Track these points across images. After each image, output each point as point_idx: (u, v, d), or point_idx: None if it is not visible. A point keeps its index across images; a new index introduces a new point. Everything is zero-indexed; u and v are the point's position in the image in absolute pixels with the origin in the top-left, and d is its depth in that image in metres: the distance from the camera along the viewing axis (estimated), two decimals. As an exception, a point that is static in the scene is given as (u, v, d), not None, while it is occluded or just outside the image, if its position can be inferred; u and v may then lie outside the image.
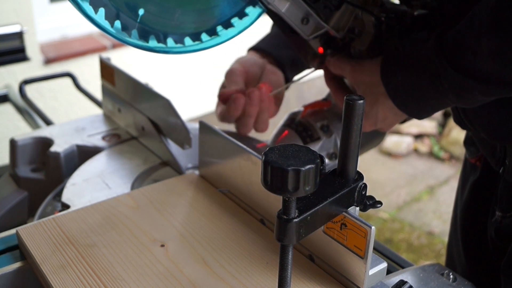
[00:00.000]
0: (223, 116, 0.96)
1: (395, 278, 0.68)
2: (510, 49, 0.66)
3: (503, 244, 0.89)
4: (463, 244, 1.02)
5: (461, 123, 0.89)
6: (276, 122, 1.03)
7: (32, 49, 2.32)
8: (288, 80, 1.04)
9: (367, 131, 0.91)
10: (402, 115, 0.85)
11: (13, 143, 1.06)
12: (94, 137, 1.08)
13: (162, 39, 0.75)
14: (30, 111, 1.44)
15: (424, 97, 0.78)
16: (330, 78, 0.92)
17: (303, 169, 0.47)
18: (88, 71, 2.48)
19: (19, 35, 1.54)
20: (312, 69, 0.97)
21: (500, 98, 0.78)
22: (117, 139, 1.07)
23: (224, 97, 0.96)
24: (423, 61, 0.76)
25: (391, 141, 3.63)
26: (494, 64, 0.67)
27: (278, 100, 1.00)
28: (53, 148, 1.02)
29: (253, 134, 1.00)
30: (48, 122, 1.35)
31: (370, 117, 0.86)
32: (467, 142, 1.01)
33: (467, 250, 1.02)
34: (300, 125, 0.97)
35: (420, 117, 0.84)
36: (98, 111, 1.24)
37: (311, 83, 3.64)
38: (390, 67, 0.81)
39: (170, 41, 0.75)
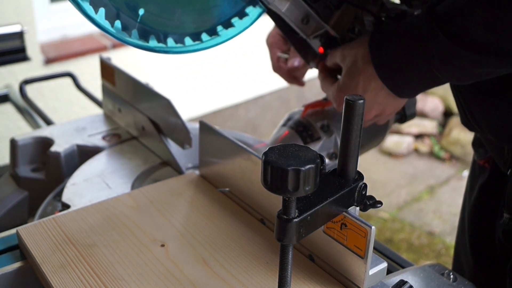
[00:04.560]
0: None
1: (395, 278, 0.68)
2: (503, 20, 0.66)
3: (511, 246, 0.89)
4: (471, 246, 1.02)
5: (468, 125, 0.88)
6: (276, 122, 1.03)
7: (32, 49, 2.32)
8: None
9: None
10: (381, 93, 0.82)
11: (13, 143, 1.06)
12: (94, 137, 1.08)
13: (162, 39, 0.75)
14: (30, 111, 1.44)
15: (409, 67, 0.76)
16: (324, 76, 0.92)
17: (303, 169, 0.47)
18: (88, 71, 2.48)
19: (19, 35, 1.54)
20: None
21: (508, 100, 0.77)
22: (117, 139, 1.07)
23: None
24: (413, 29, 0.75)
25: (391, 141, 3.63)
26: (486, 33, 0.67)
27: None
28: (54, 148, 1.02)
29: (253, 133, 1.00)
30: (48, 122, 1.35)
31: (348, 89, 0.83)
32: (475, 144, 1.01)
33: (475, 252, 1.01)
34: (300, 125, 0.97)
35: (401, 93, 0.81)
36: (98, 111, 1.24)
37: (311, 83, 3.63)
38: (379, 38, 0.80)
39: (170, 41, 0.75)
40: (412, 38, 0.75)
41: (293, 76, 1.02)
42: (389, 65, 0.78)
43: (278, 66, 1.03)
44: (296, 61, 1.01)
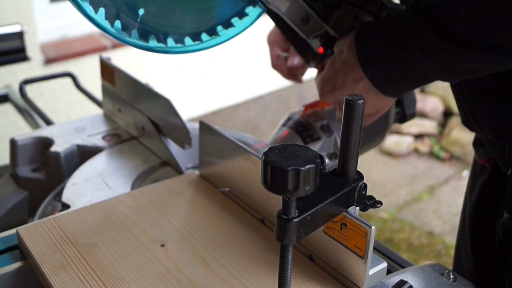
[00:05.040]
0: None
1: (395, 278, 0.68)
2: (485, 14, 0.66)
3: (510, 246, 0.89)
4: (471, 246, 1.02)
5: (468, 125, 0.88)
6: (276, 122, 1.03)
7: (32, 49, 2.32)
8: None
9: (325, 99, 0.87)
10: (361, 85, 0.80)
11: (13, 143, 1.06)
12: (94, 137, 1.08)
13: (162, 39, 0.75)
14: (30, 111, 1.44)
15: (392, 60, 0.76)
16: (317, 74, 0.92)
17: (303, 169, 0.47)
18: (88, 71, 2.48)
19: (19, 35, 1.54)
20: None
21: (508, 101, 0.77)
22: (117, 139, 1.07)
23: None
24: (397, 22, 0.75)
25: (391, 141, 3.63)
26: (468, 27, 0.67)
27: None
28: (53, 148, 1.02)
29: (253, 133, 1.00)
30: (48, 122, 1.35)
31: (329, 77, 0.83)
32: (476, 144, 1.01)
33: (475, 251, 1.01)
34: (300, 125, 0.97)
35: (384, 88, 0.79)
36: (98, 111, 1.24)
37: (311, 83, 3.63)
38: (366, 30, 0.80)
39: (170, 41, 0.75)
40: (396, 31, 0.75)
41: (292, 73, 1.03)
42: (372, 56, 0.78)
43: (277, 64, 1.04)
44: (295, 60, 1.01)
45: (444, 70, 0.73)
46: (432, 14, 0.70)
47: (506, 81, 0.78)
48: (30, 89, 1.55)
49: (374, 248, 0.82)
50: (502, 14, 0.65)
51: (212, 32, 0.78)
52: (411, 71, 0.75)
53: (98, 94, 1.32)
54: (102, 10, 0.69)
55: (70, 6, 0.69)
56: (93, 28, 2.35)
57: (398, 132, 3.72)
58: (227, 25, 0.78)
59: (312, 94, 3.73)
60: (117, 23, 0.70)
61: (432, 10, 0.70)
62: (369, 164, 3.45)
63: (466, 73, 0.73)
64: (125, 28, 0.71)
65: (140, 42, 0.73)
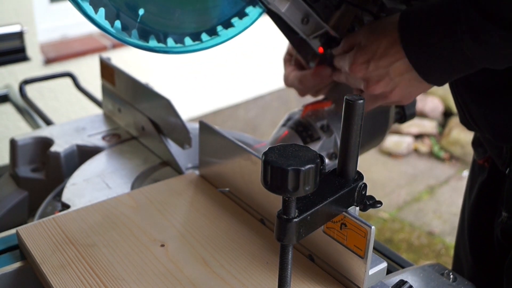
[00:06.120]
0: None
1: (395, 278, 0.68)
2: None
3: (508, 245, 0.89)
4: (470, 245, 1.02)
5: (467, 124, 0.88)
6: (276, 122, 1.03)
7: (32, 49, 2.32)
8: None
9: (356, 71, 0.81)
10: (399, 64, 0.77)
11: (13, 143, 1.06)
12: (94, 137, 1.08)
13: (162, 39, 0.75)
14: (30, 111, 1.44)
15: (438, 43, 0.72)
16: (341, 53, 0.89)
17: (303, 169, 0.47)
18: (88, 71, 2.48)
19: (19, 35, 1.54)
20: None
21: (506, 100, 0.77)
22: (117, 139, 1.07)
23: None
24: (444, 4, 0.73)
25: (391, 141, 3.63)
26: None
27: None
28: (53, 148, 1.02)
29: (253, 133, 1.00)
30: (48, 122, 1.35)
31: (369, 48, 0.79)
32: (475, 143, 1.01)
33: (474, 251, 1.02)
34: (300, 125, 0.97)
35: (427, 74, 0.76)
36: (98, 111, 1.24)
37: (311, 83, 3.63)
38: (411, 11, 0.77)
39: (170, 41, 0.75)
40: (443, 13, 0.72)
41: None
42: (416, 38, 0.74)
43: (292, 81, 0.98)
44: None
45: (492, 55, 0.71)
46: None
47: (503, 80, 0.78)
48: (30, 89, 1.55)
49: (374, 248, 0.82)
50: None
51: (212, 32, 0.78)
52: (458, 56, 0.72)
53: (98, 94, 1.32)
54: (102, 10, 0.69)
55: (70, 6, 0.69)
56: (93, 28, 2.35)
57: (398, 132, 3.72)
58: (227, 25, 0.78)
59: (312, 94, 3.72)
60: (117, 23, 0.70)
61: None
62: (369, 164, 3.45)
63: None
64: (125, 28, 0.71)
65: (140, 42, 0.73)
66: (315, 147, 0.94)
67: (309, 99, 1.01)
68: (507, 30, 0.67)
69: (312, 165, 0.48)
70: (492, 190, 0.95)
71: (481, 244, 1.00)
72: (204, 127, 0.83)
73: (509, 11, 0.66)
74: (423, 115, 3.82)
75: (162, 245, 0.71)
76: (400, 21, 0.76)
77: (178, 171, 0.95)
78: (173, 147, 0.97)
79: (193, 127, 0.98)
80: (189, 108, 3.10)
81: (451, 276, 0.73)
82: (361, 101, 0.55)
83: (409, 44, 0.75)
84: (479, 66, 0.73)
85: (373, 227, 0.58)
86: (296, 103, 3.66)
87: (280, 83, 3.77)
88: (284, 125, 0.99)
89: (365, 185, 0.60)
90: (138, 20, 0.72)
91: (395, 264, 0.92)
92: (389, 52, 0.77)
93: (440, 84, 0.78)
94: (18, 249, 0.74)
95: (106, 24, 0.70)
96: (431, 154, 3.63)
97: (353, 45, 0.83)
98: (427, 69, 0.76)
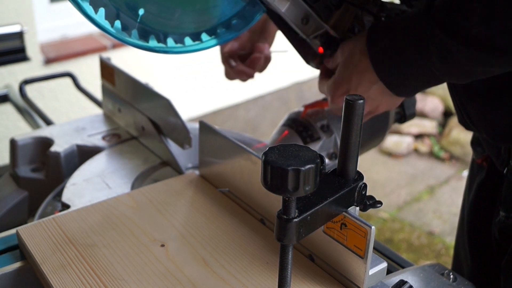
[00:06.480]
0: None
1: (395, 278, 0.68)
2: (502, 16, 0.65)
3: (506, 244, 0.90)
4: (469, 244, 1.03)
5: (465, 124, 0.89)
6: (276, 122, 1.03)
7: (32, 49, 2.32)
8: None
9: (338, 102, 0.85)
10: (375, 87, 0.80)
11: (13, 143, 1.06)
12: (94, 137, 1.08)
13: (162, 39, 0.75)
14: (30, 111, 1.44)
15: (406, 63, 0.75)
16: (323, 77, 0.91)
17: (303, 169, 0.47)
18: (88, 71, 2.48)
19: (19, 35, 1.54)
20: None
21: (502, 100, 0.77)
22: (117, 139, 1.07)
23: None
24: (411, 24, 0.74)
25: (391, 141, 3.63)
26: (484, 30, 0.66)
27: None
28: (53, 148, 1.02)
29: (253, 133, 1.00)
30: (48, 122, 1.35)
31: (343, 81, 0.83)
32: (473, 143, 1.01)
33: (473, 250, 1.02)
34: (300, 125, 0.97)
35: (398, 90, 0.79)
36: (98, 111, 1.24)
37: (311, 83, 3.64)
38: (377, 31, 0.79)
39: (170, 41, 0.75)
40: (409, 33, 0.74)
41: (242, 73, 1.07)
42: (385, 59, 0.77)
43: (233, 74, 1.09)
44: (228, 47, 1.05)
45: (458, 72, 0.73)
46: (446, 15, 0.69)
47: (500, 81, 0.78)
48: (30, 89, 1.55)
49: (374, 248, 0.82)
50: None
51: (212, 32, 0.78)
52: (426, 73, 0.74)
53: (98, 94, 1.32)
54: (102, 10, 0.69)
55: (70, 6, 0.69)
56: (93, 28, 2.35)
57: (398, 132, 3.72)
58: (227, 25, 0.78)
59: (312, 94, 3.73)
60: (117, 23, 0.70)
61: (446, 11, 0.69)
62: (369, 164, 3.45)
63: (481, 75, 0.73)
64: (125, 28, 0.71)
65: (140, 42, 0.73)
66: (315, 147, 0.94)
67: (309, 99, 1.01)
68: (471, 48, 0.68)
69: (312, 165, 0.48)
70: (490, 190, 0.95)
71: (479, 243, 1.00)
72: (204, 127, 0.83)
73: (474, 29, 0.67)
74: (423, 115, 3.82)
75: (162, 245, 0.71)
76: (368, 41, 0.79)
77: (178, 171, 0.95)
78: (173, 147, 0.97)
79: (193, 127, 0.98)
80: (189, 108, 3.10)
81: (451, 276, 0.73)
82: (361, 101, 0.55)
83: (380, 67, 0.78)
84: (444, 81, 0.76)
85: (373, 227, 0.58)
86: (296, 103, 3.66)
87: (280, 83, 3.77)
88: (284, 125, 0.99)
89: (365, 185, 0.60)
90: (138, 20, 0.72)
91: (395, 264, 0.92)
92: (364, 79, 0.81)
93: (408, 96, 0.84)
94: (18, 249, 0.74)
95: (106, 24, 0.70)
96: (431, 154, 3.63)
97: (330, 70, 0.88)
98: (398, 86, 0.79)
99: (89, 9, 0.68)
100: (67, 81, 1.57)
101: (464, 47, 0.68)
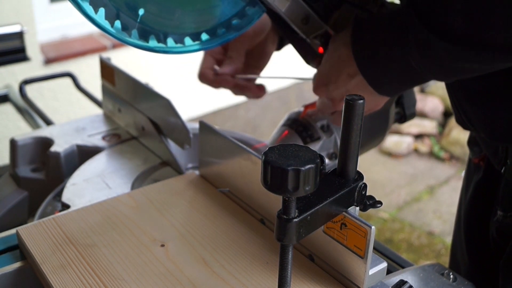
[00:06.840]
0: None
1: (395, 278, 0.68)
2: (482, 11, 0.64)
3: (504, 243, 0.90)
4: (466, 243, 1.03)
5: (462, 124, 0.89)
6: (276, 122, 1.03)
7: (32, 49, 2.32)
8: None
9: (318, 93, 0.86)
10: (355, 81, 0.79)
11: (13, 143, 1.06)
12: (94, 137, 1.08)
13: (162, 39, 0.75)
14: (30, 111, 1.44)
15: (387, 57, 0.74)
16: None
17: (303, 169, 0.47)
18: (88, 71, 2.48)
19: (19, 35, 1.54)
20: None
21: (499, 100, 0.77)
22: (117, 139, 1.07)
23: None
24: (392, 17, 0.74)
25: (391, 141, 3.63)
26: (465, 24, 0.66)
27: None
28: (53, 148, 1.02)
29: (253, 133, 1.00)
30: (48, 122, 1.35)
31: (325, 73, 0.83)
32: (470, 142, 1.01)
33: (470, 250, 1.02)
34: (300, 125, 0.97)
35: (379, 87, 0.78)
36: (98, 111, 1.24)
37: (311, 83, 3.63)
38: (362, 26, 0.79)
39: (170, 41, 0.75)
40: (391, 27, 0.74)
41: (223, 81, 1.00)
42: (367, 52, 0.77)
43: (205, 73, 0.99)
44: (228, 68, 0.98)
45: (439, 69, 0.72)
46: (428, 9, 0.69)
47: (497, 80, 0.78)
48: (30, 89, 1.55)
49: (374, 248, 0.82)
50: (499, 10, 0.64)
51: (212, 32, 0.78)
52: (407, 69, 0.74)
53: (98, 94, 1.32)
54: (102, 10, 0.69)
55: (70, 6, 0.69)
56: (93, 28, 2.35)
57: (398, 132, 3.72)
58: (227, 25, 0.78)
59: (312, 94, 3.72)
60: (117, 23, 0.70)
61: (428, 5, 0.69)
62: (369, 164, 3.45)
63: (462, 72, 0.72)
64: (125, 28, 0.71)
65: (140, 42, 0.73)
66: (315, 147, 0.94)
67: (309, 99, 1.01)
68: (450, 42, 0.67)
69: (312, 165, 0.48)
70: (487, 189, 0.95)
71: (477, 242, 1.01)
72: (204, 127, 0.83)
73: (454, 23, 0.66)
74: (423, 115, 3.82)
75: (162, 245, 0.71)
76: (352, 37, 0.79)
77: (178, 171, 0.95)
78: (173, 147, 0.97)
79: (193, 127, 0.98)
80: (189, 108, 3.10)
81: (451, 276, 0.73)
82: (361, 101, 0.55)
83: (361, 59, 0.77)
84: (427, 79, 0.75)
85: (373, 227, 0.58)
86: (296, 103, 3.67)
87: (280, 83, 3.77)
88: (284, 125, 0.99)
89: (365, 185, 0.60)
90: (138, 20, 0.72)
91: (395, 264, 0.92)
92: (343, 72, 0.80)
93: (391, 95, 0.83)
94: (18, 249, 0.74)
95: (106, 24, 0.70)
96: (431, 154, 3.63)
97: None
98: (378, 82, 0.78)
99: (89, 9, 0.68)
100: (67, 81, 1.57)
101: (443, 41, 0.67)
